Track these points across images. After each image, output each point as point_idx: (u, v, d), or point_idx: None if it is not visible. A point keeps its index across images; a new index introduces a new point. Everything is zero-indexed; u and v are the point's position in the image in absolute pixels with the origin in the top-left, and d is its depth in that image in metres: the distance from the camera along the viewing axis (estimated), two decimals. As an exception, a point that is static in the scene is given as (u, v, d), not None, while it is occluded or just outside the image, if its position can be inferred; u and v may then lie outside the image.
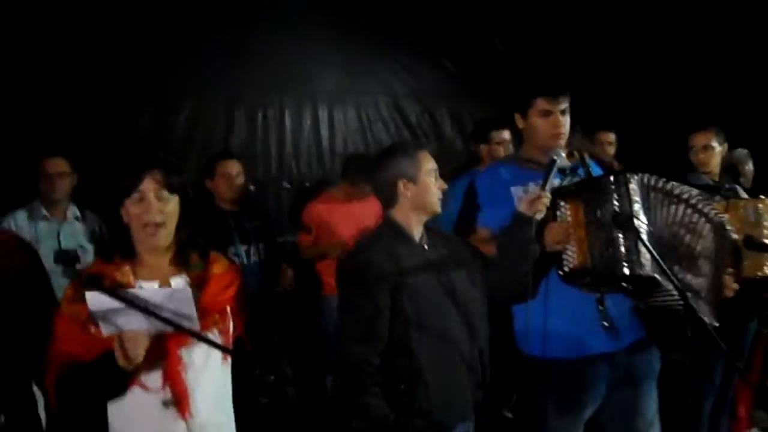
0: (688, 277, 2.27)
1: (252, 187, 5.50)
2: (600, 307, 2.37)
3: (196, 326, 1.79)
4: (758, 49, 5.96)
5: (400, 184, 2.28)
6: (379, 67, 6.05)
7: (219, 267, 2.06)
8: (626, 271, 2.16)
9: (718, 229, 2.34)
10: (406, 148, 2.35)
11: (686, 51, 6.07)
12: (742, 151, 4.16)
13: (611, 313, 2.38)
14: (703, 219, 2.31)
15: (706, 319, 2.21)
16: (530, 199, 2.23)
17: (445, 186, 2.33)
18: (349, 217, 3.92)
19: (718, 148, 3.41)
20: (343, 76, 5.91)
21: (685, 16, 6.06)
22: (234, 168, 3.69)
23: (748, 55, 5.99)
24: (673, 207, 2.29)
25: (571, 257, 2.25)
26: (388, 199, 2.32)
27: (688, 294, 2.14)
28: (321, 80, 5.84)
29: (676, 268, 2.24)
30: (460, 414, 2.31)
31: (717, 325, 2.26)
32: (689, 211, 2.30)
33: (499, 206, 2.41)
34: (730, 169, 3.74)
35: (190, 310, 1.76)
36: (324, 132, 5.87)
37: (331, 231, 3.98)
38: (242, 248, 3.61)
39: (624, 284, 2.27)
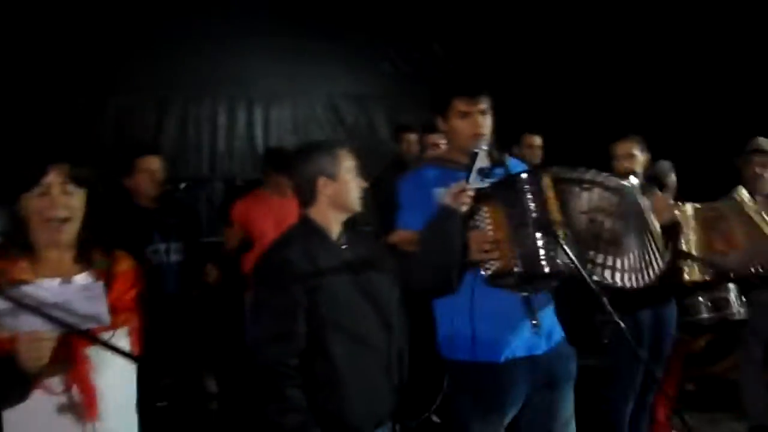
0: (618, 261, 2.30)
1: (182, 185, 5.42)
2: (528, 307, 2.38)
3: (106, 324, 1.73)
4: (680, 60, 6.16)
5: (320, 182, 2.23)
6: (316, 68, 6.01)
7: (123, 265, 1.98)
8: (546, 269, 2.18)
9: (623, 196, 2.36)
10: (326, 145, 2.30)
11: (612, 59, 6.24)
12: (665, 163, 4.26)
13: (537, 314, 2.39)
14: (616, 196, 2.34)
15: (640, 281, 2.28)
16: (455, 191, 2.21)
17: (366, 184, 2.29)
18: (272, 213, 3.85)
19: (640, 156, 3.47)
20: (280, 76, 5.88)
21: (612, 24, 6.23)
22: (155, 164, 3.57)
23: (671, 65, 6.19)
24: (586, 194, 2.31)
25: (493, 260, 2.25)
26: (307, 197, 2.27)
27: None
28: (257, 79, 5.78)
29: (601, 257, 2.28)
30: (378, 418, 2.26)
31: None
32: (605, 193, 2.32)
33: (423, 208, 2.37)
34: (654, 180, 3.83)
35: (101, 307, 1.70)
36: (258, 131, 5.78)
37: (257, 230, 3.93)
38: (162, 246, 3.49)
39: (551, 281, 2.29)
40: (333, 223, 2.26)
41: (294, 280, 2.10)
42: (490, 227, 2.25)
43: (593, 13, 6.26)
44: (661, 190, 3.92)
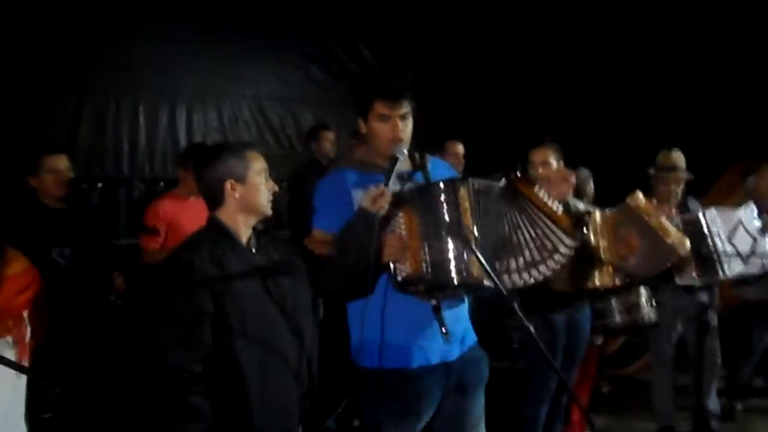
0: (513, 262, 2.32)
1: (100, 184, 5.22)
2: (437, 315, 2.35)
3: None
4: (599, 69, 6.35)
5: (227, 185, 2.18)
6: (242, 69, 5.92)
7: (16, 267, 1.88)
8: (456, 279, 2.17)
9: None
10: (234, 147, 2.26)
11: (534, 66, 6.38)
12: (583, 171, 4.38)
13: (448, 321, 2.37)
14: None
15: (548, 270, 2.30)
16: (372, 195, 2.19)
17: (277, 188, 2.25)
18: (199, 214, 3.68)
19: (554, 164, 3.51)
20: (205, 76, 5.74)
21: (530, 30, 6.37)
22: (62, 163, 3.41)
23: (590, 73, 6.37)
24: (513, 211, 2.34)
25: (405, 266, 2.24)
26: (214, 200, 2.21)
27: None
28: (180, 78, 5.62)
29: (513, 264, 2.31)
30: (286, 426, 2.23)
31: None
32: (533, 213, 2.37)
33: (340, 210, 2.33)
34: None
35: None
36: (182, 132, 5.64)
37: (180, 232, 3.73)
38: (68, 249, 3.34)
39: (460, 291, 2.29)
40: (242, 227, 2.21)
41: (199, 284, 2.04)
42: (404, 233, 2.23)
43: (513, 19, 6.38)
44: (579, 197, 4.02)
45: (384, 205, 2.18)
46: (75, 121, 5.18)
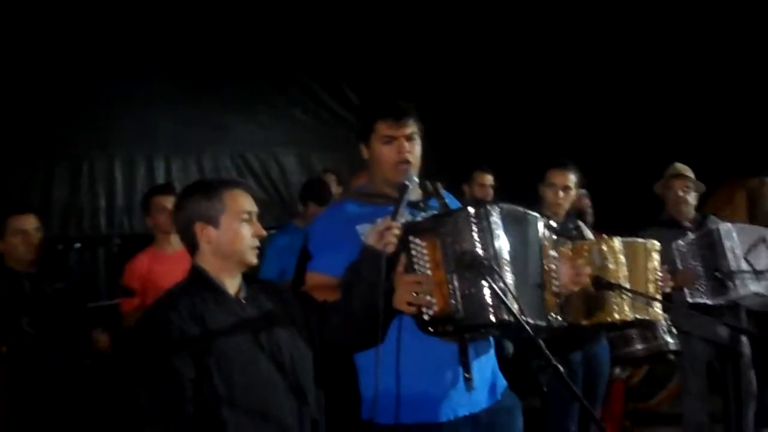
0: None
1: (77, 245, 4.97)
2: (462, 359, 2.10)
3: None
4: (597, 91, 6.28)
5: (197, 228, 1.91)
6: (221, 117, 5.75)
7: None
8: (492, 318, 1.90)
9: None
10: (207, 185, 1.98)
11: (533, 90, 6.27)
12: (581, 190, 4.22)
13: (473, 366, 2.13)
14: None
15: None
16: (379, 230, 1.93)
17: (264, 233, 1.98)
18: (175, 268, 3.36)
19: (573, 191, 3.35)
20: (183, 126, 5.58)
21: (542, 59, 6.27)
22: (30, 223, 3.15)
23: (590, 96, 6.30)
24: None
25: (432, 304, 1.95)
26: (189, 245, 1.96)
27: None
28: (156, 131, 5.46)
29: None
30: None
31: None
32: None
33: (342, 248, 2.08)
34: (575, 212, 3.73)
35: None
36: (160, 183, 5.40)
37: (158, 288, 3.42)
38: (39, 317, 3.04)
39: (493, 330, 2.05)
40: (226, 275, 1.94)
41: (177, 346, 1.76)
42: (427, 266, 1.96)
43: (499, 56, 6.31)
44: (582, 219, 3.85)
45: (392, 240, 1.92)
46: (47, 181, 4.97)
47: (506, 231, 2.00)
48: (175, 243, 3.50)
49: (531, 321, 1.92)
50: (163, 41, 5.26)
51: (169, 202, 3.46)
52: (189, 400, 1.76)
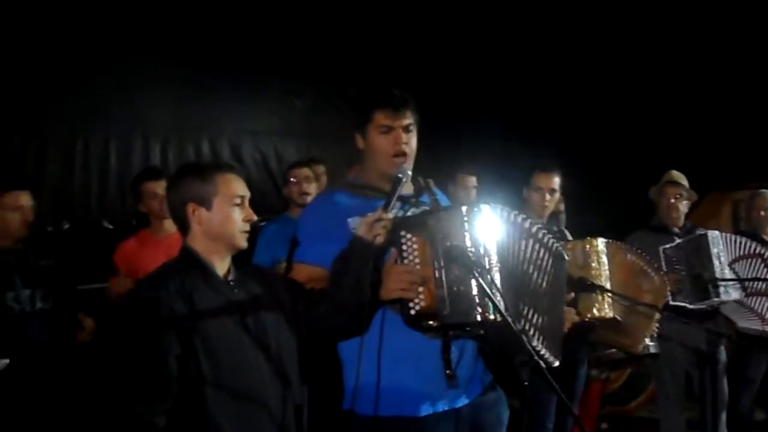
0: (535, 316, 2.11)
1: (66, 226, 4.92)
2: (444, 355, 2.12)
3: None
4: (587, 94, 6.33)
5: (189, 209, 1.94)
6: (219, 104, 5.69)
7: None
8: (479, 317, 1.91)
9: (557, 260, 2.23)
10: (201, 167, 2.01)
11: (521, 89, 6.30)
12: None
13: (456, 362, 2.14)
14: (547, 254, 2.18)
15: (549, 358, 2.10)
16: (369, 221, 1.96)
17: (255, 217, 2.00)
18: (166, 252, 3.36)
19: (558, 194, 3.40)
20: (182, 111, 5.51)
21: (532, 63, 6.31)
22: (27, 200, 3.15)
23: (581, 98, 6.35)
24: (524, 242, 2.12)
25: (418, 298, 1.98)
26: (181, 225, 1.99)
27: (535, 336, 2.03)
28: (154, 113, 5.39)
29: (521, 307, 2.08)
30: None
31: (557, 364, 2.14)
32: (537, 246, 2.15)
33: (333, 239, 2.09)
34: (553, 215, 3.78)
35: None
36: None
37: (144, 270, 3.43)
38: (25, 293, 3.05)
39: (478, 329, 2.04)
40: (216, 257, 1.97)
41: (165, 323, 1.79)
42: (416, 261, 1.98)
43: (501, 49, 6.34)
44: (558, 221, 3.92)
45: (381, 232, 1.94)
46: (40, 160, 4.91)
47: (496, 231, 2.02)
48: (168, 228, 3.55)
49: (516, 321, 1.96)
50: (163, 23, 5.19)
51: (159, 187, 3.48)
52: (174, 377, 1.79)
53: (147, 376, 1.78)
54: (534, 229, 2.15)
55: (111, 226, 5.07)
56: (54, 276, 3.20)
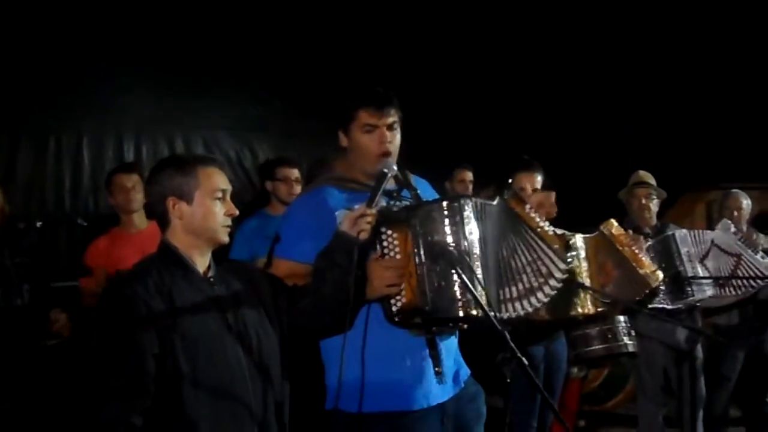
0: (524, 302, 2.13)
1: (39, 223, 4.83)
2: (432, 351, 2.12)
3: None
4: (565, 91, 6.37)
5: (169, 203, 1.90)
6: (195, 101, 5.62)
7: None
8: (461, 312, 1.92)
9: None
10: (182, 160, 1.97)
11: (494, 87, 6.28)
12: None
13: (442, 357, 2.14)
14: (521, 237, 2.20)
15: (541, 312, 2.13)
16: (353, 216, 1.94)
17: (236, 212, 1.96)
18: (138, 249, 3.14)
19: (540, 192, 3.39)
20: (155, 107, 5.43)
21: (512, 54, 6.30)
22: None
23: (558, 95, 6.39)
24: (503, 232, 2.14)
25: (400, 294, 1.97)
26: (160, 220, 1.94)
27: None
28: (128, 110, 5.32)
29: (513, 292, 2.11)
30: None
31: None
32: (514, 236, 2.18)
33: (322, 236, 2.06)
34: None
35: None
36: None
37: (117, 268, 3.29)
38: None
39: (459, 324, 2.06)
40: (195, 253, 1.93)
41: (143, 321, 1.75)
42: (397, 257, 1.97)
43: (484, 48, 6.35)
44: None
45: (365, 227, 1.92)
46: (11, 156, 4.82)
47: (478, 225, 2.02)
48: (138, 223, 3.50)
49: (497, 314, 1.96)
50: (137, 20, 5.13)
51: (130, 181, 3.45)
52: (152, 375, 1.75)
53: (124, 374, 1.74)
54: (512, 220, 2.17)
55: (85, 223, 4.99)
56: (28, 273, 3.14)
